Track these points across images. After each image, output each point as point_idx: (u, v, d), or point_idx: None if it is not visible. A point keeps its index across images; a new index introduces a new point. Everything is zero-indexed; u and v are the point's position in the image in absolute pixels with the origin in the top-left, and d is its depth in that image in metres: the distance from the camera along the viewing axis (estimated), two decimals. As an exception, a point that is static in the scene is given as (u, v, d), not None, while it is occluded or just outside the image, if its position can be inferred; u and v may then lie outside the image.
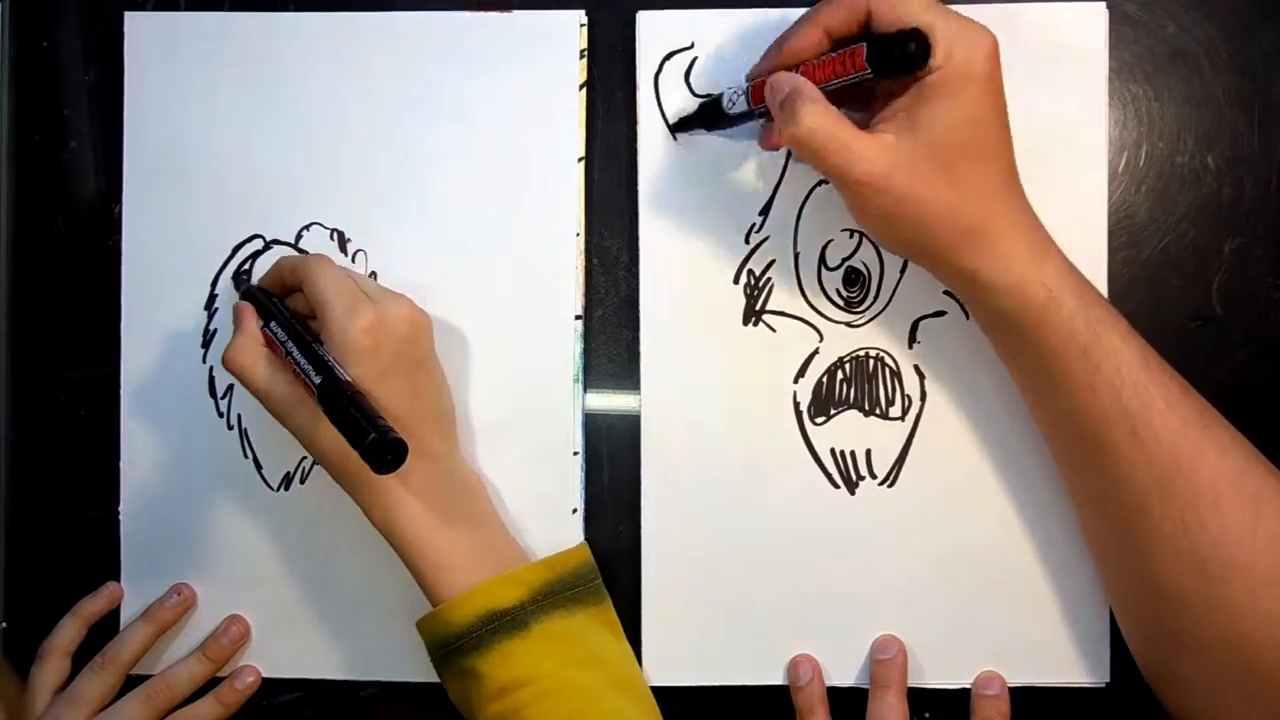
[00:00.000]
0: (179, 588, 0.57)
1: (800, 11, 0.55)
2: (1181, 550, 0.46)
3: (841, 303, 0.56)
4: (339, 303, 0.50)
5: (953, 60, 0.45)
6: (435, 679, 0.54)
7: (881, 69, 0.46)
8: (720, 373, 0.56)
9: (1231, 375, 0.56)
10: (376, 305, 0.50)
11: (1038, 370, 0.49)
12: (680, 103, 0.56)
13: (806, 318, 0.56)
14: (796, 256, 0.56)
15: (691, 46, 0.56)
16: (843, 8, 0.48)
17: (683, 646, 0.56)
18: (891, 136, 0.47)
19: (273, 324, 0.52)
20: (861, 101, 0.50)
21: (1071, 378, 0.47)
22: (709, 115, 0.54)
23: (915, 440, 0.56)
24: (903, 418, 0.56)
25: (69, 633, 0.57)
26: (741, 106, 0.52)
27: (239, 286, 0.57)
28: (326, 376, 0.48)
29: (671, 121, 0.56)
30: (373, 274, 0.57)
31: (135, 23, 0.58)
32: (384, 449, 0.45)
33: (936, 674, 0.56)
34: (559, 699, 0.49)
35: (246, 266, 0.58)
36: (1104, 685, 0.55)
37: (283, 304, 0.53)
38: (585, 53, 0.57)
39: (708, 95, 0.56)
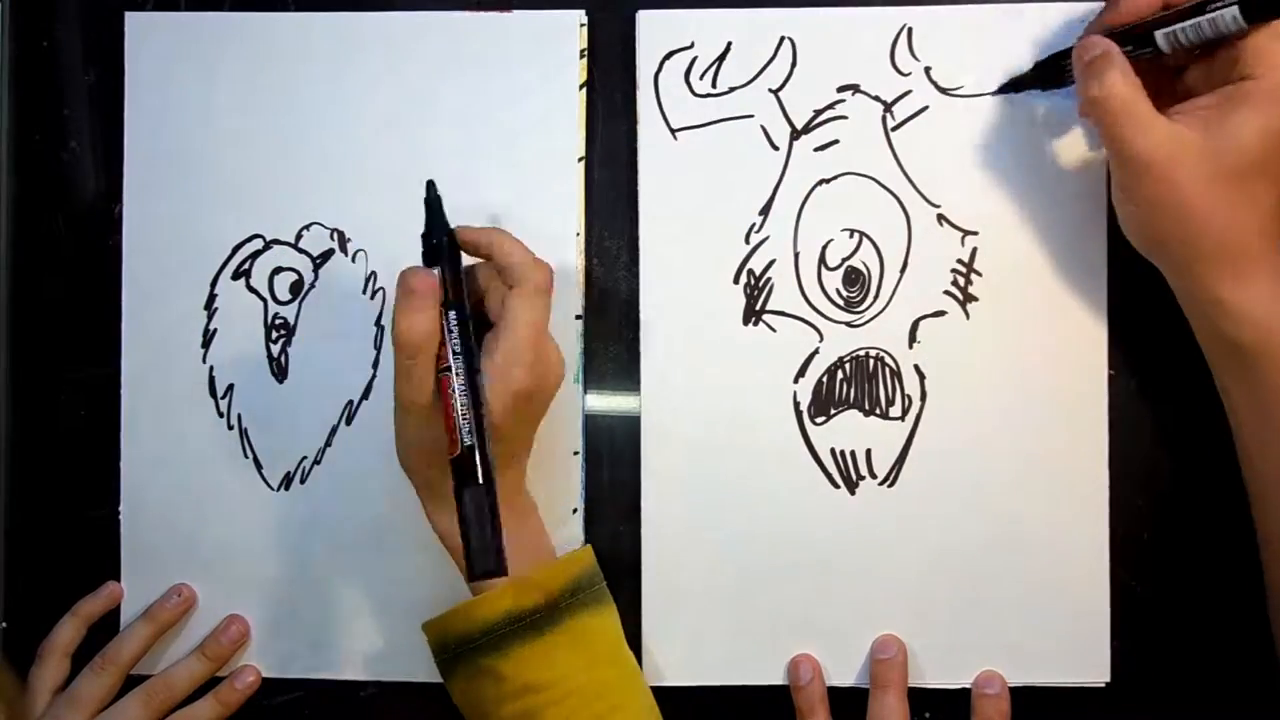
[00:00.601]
0: (179, 588, 0.57)
1: (802, 11, 0.55)
2: None
3: (841, 302, 0.56)
4: (522, 349, 0.48)
5: (1276, 72, 0.44)
6: (435, 679, 0.54)
7: (1251, 11, 0.44)
8: (720, 373, 0.56)
9: (1231, 375, 0.56)
10: (545, 367, 0.49)
11: (1264, 409, 0.48)
12: (680, 103, 0.56)
13: (806, 318, 0.56)
14: (796, 256, 0.56)
15: (691, 46, 0.56)
16: None
17: (683, 646, 0.56)
18: (1185, 129, 0.45)
19: (452, 314, 0.48)
20: (1154, 91, 0.48)
21: None
22: (1045, 75, 0.53)
23: (915, 440, 0.56)
24: (903, 418, 0.56)
25: (68, 632, 0.57)
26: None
27: (433, 233, 0.50)
28: (481, 450, 0.46)
29: (1001, 83, 0.55)
30: (373, 274, 0.57)
31: (135, 23, 0.58)
32: (488, 574, 0.45)
33: (936, 674, 0.56)
34: (582, 699, 0.49)
35: (246, 266, 0.58)
36: (1104, 685, 0.55)
37: (467, 306, 0.49)
38: (585, 53, 0.57)
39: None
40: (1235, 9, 0.44)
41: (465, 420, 0.46)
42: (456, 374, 0.47)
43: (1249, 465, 0.50)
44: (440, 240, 0.49)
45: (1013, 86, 0.55)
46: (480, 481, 0.46)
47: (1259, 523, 0.51)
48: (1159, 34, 0.47)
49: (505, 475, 0.49)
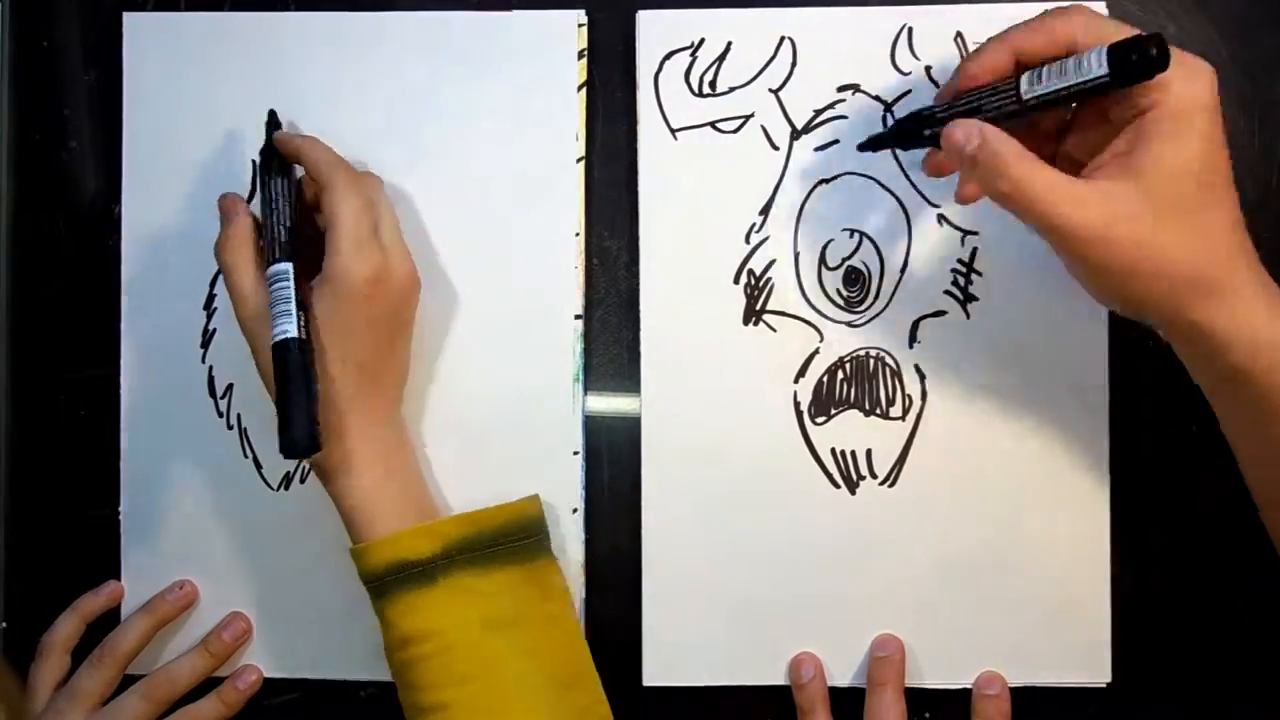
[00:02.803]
0: (181, 582, 0.57)
1: (801, 11, 0.55)
2: None
3: (842, 302, 0.56)
4: (351, 237, 0.50)
5: (1171, 93, 0.42)
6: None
7: (1120, 75, 0.42)
8: (720, 373, 0.56)
9: (1232, 375, 0.56)
10: (386, 255, 0.51)
11: (1268, 433, 0.45)
12: (680, 103, 0.56)
13: (807, 318, 0.56)
14: (797, 256, 0.56)
15: (691, 46, 0.56)
16: (1039, 32, 0.45)
17: (683, 646, 0.56)
18: (1109, 182, 0.43)
19: (274, 218, 0.51)
20: (1043, 145, 0.47)
21: None
22: (905, 137, 0.50)
23: (915, 440, 0.56)
24: (903, 418, 0.56)
25: (68, 628, 0.57)
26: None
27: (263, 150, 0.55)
28: (298, 339, 0.49)
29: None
30: None
31: (135, 23, 0.58)
32: (296, 446, 0.48)
33: (937, 674, 0.56)
34: (457, 655, 0.50)
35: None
36: (1104, 685, 0.55)
37: (287, 212, 0.53)
38: (585, 53, 0.57)
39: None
40: (1105, 77, 0.43)
41: (288, 322, 0.49)
42: (278, 285, 0.50)
43: (1254, 483, 0.48)
44: (267, 154, 0.54)
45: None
46: (295, 347, 0.48)
47: (1273, 530, 0.49)
48: (1024, 78, 0.45)
49: (372, 401, 0.51)
